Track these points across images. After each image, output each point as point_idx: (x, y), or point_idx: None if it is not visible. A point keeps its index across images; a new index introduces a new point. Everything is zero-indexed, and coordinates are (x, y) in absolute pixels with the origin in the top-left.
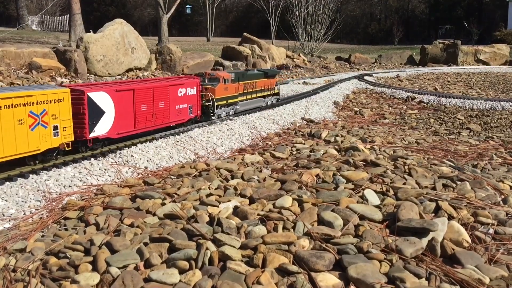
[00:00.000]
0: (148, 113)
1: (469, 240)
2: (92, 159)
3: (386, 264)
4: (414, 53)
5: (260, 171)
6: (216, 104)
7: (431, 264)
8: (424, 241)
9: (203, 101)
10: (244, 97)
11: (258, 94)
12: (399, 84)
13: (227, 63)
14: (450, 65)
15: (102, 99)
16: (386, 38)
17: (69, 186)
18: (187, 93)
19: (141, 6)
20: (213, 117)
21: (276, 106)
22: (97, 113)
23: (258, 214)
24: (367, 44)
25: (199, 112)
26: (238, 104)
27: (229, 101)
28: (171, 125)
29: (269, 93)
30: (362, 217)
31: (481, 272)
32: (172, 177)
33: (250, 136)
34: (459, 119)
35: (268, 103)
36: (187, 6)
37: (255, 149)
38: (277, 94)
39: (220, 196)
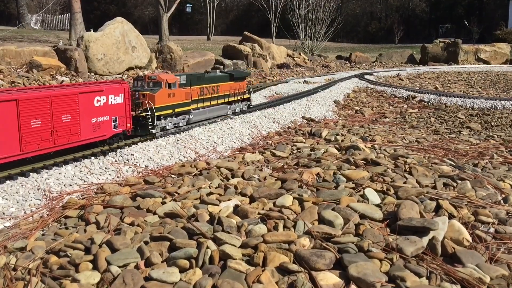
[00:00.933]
0: (44, 131)
1: (470, 239)
2: (93, 158)
3: (386, 263)
4: (414, 52)
5: (261, 170)
6: (157, 114)
7: (432, 263)
8: (425, 240)
9: (140, 111)
10: (200, 104)
11: (221, 100)
12: (399, 83)
13: (227, 62)
14: (450, 64)
15: None
16: (387, 37)
17: (70, 184)
18: (109, 102)
19: (142, 5)
20: (153, 130)
21: (276, 105)
22: None
23: (259, 213)
24: (368, 43)
25: (129, 125)
26: (191, 113)
27: (177, 109)
28: (87, 143)
29: (236, 98)
30: (362, 216)
31: (481, 271)
32: (173, 176)
33: (251, 135)
34: (459, 118)
35: (236, 110)
36: (187, 5)
37: (255, 148)
38: (248, 99)
39: (220, 195)
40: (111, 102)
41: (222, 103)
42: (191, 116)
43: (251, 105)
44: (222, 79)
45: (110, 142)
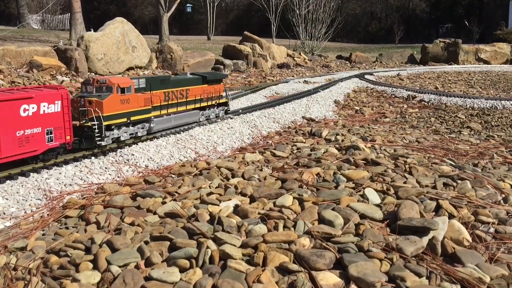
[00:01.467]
0: None
1: (470, 239)
2: (93, 157)
3: (386, 263)
4: (415, 52)
5: (261, 170)
6: (106, 123)
7: (432, 263)
8: (425, 240)
9: (84, 121)
10: (164, 111)
11: (191, 106)
12: (399, 83)
13: (227, 61)
14: (451, 64)
15: None
16: (387, 37)
17: (70, 184)
18: (41, 111)
19: (142, 5)
20: (102, 142)
21: (276, 105)
22: None
23: (259, 213)
24: (368, 43)
25: (68, 137)
26: (153, 121)
27: (134, 117)
28: (12, 160)
29: (210, 103)
30: (362, 216)
31: (481, 271)
32: (173, 175)
33: (251, 134)
34: (459, 118)
35: (211, 116)
36: (187, 5)
37: (255, 148)
38: (225, 104)
39: (220, 195)
40: (44, 111)
41: (192, 109)
42: (152, 125)
43: (229, 110)
44: (192, 82)
45: (45, 158)
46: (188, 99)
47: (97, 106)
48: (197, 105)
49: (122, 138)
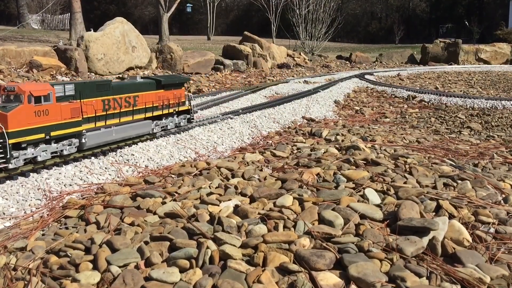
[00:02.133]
0: None
1: (470, 239)
2: (93, 157)
3: (386, 263)
4: (415, 52)
5: (261, 170)
6: (13, 141)
7: (432, 263)
8: (425, 240)
9: None
10: (101, 123)
11: (140, 115)
12: (400, 83)
13: (227, 61)
14: (451, 64)
15: None
16: (387, 37)
17: (70, 184)
18: None
19: (142, 5)
20: (8, 165)
21: (276, 105)
22: None
23: (259, 213)
24: (368, 43)
25: None
26: (85, 135)
27: (55, 132)
28: None
29: (167, 111)
30: (362, 216)
31: (482, 271)
32: (173, 176)
33: (251, 135)
34: (460, 118)
35: (169, 126)
36: (187, 5)
37: (255, 148)
38: (187, 111)
39: (220, 195)
40: None
41: (142, 119)
42: (84, 140)
43: (192, 118)
44: (142, 88)
45: None
46: (135, 108)
47: (1, 120)
48: (149, 114)
49: (40, 158)
